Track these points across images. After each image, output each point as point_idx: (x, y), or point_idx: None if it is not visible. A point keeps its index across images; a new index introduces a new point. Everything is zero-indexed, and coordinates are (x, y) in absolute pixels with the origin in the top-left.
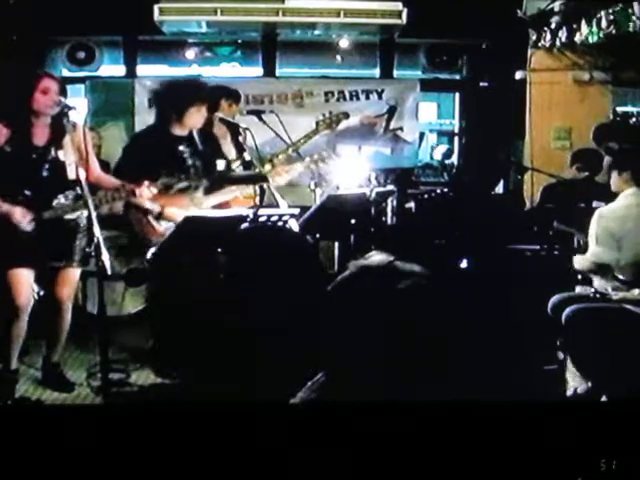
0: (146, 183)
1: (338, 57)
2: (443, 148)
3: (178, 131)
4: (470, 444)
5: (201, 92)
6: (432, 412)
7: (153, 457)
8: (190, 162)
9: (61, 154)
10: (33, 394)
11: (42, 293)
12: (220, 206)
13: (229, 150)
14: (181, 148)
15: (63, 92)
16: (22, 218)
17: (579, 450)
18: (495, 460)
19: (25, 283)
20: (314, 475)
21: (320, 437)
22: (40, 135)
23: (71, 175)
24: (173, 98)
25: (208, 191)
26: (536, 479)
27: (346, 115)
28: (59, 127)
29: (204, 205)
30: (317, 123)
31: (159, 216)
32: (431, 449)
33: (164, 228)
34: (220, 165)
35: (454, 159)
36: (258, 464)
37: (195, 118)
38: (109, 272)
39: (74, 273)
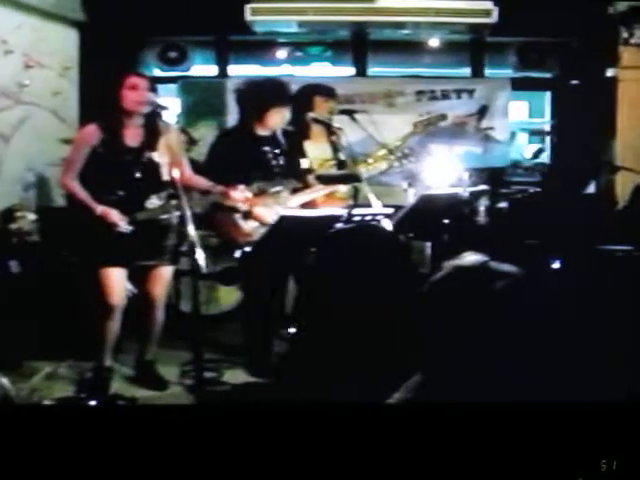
0: (241, 187)
1: (428, 56)
2: (534, 147)
3: (261, 131)
4: (470, 444)
5: (282, 93)
6: (432, 412)
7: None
8: (274, 162)
9: (156, 155)
10: (126, 392)
11: (135, 291)
12: (306, 205)
13: (324, 150)
14: (265, 148)
15: (153, 90)
16: (119, 220)
17: (579, 450)
18: (495, 460)
19: (118, 282)
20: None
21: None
22: (133, 136)
23: (164, 176)
24: (255, 98)
25: (294, 190)
26: (536, 479)
27: (444, 117)
28: (153, 128)
29: (290, 204)
30: (415, 124)
31: (247, 216)
32: (431, 449)
33: (251, 228)
34: (304, 164)
35: (545, 158)
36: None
37: (276, 119)
38: (204, 270)
39: (166, 271)
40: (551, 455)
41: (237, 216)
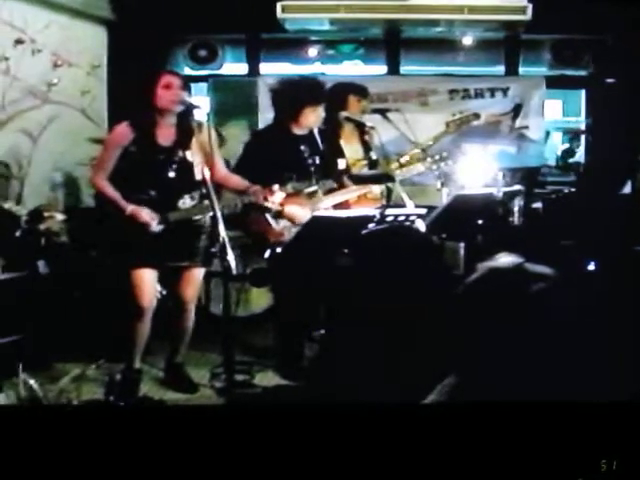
0: (276, 187)
1: (462, 54)
2: (569, 146)
3: (297, 130)
4: (470, 444)
5: (316, 92)
6: (432, 412)
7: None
8: (310, 161)
9: (189, 155)
10: (156, 394)
11: (165, 293)
12: (339, 206)
13: (356, 149)
14: (301, 147)
15: (186, 89)
16: (150, 219)
17: (579, 450)
18: (495, 460)
19: (149, 283)
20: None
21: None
22: (166, 135)
23: (197, 176)
24: (289, 97)
25: (327, 190)
26: (537, 479)
27: (477, 116)
28: (186, 127)
29: (323, 205)
30: (447, 124)
31: (278, 215)
32: (431, 449)
33: (281, 227)
34: (341, 164)
35: (580, 158)
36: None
37: (311, 118)
38: (235, 272)
39: (198, 273)
40: (551, 455)
41: (268, 215)
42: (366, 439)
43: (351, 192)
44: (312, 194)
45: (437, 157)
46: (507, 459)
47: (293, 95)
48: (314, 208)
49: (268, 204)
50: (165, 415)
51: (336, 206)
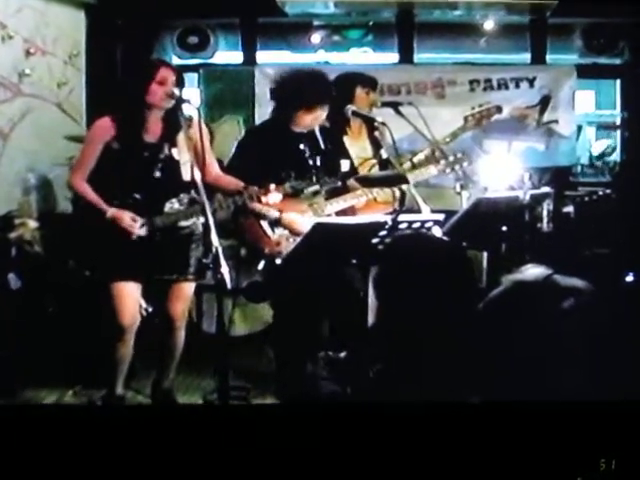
0: (273, 187)
1: (483, 41)
2: (603, 143)
3: (297, 128)
4: (470, 444)
5: (323, 90)
6: (432, 412)
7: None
8: (311, 162)
9: (175, 152)
10: None
11: (150, 310)
12: (343, 213)
13: (365, 147)
14: (302, 146)
15: (180, 83)
16: (132, 223)
17: (578, 450)
18: (495, 459)
19: (131, 298)
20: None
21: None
22: (152, 130)
23: (186, 176)
24: (291, 93)
25: (329, 195)
26: (535, 479)
27: (499, 109)
28: (173, 121)
29: (325, 211)
30: (465, 118)
31: (276, 223)
32: (431, 449)
33: (278, 236)
34: (344, 166)
35: (616, 155)
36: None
37: (313, 117)
38: (229, 286)
39: (188, 287)
40: (550, 454)
41: (264, 223)
42: (366, 439)
43: (358, 196)
44: (313, 200)
45: (451, 159)
46: (506, 458)
47: (296, 91)
48: (316, 215)
49: (262, 210)
50: (165, 415)
51: (341, 212)
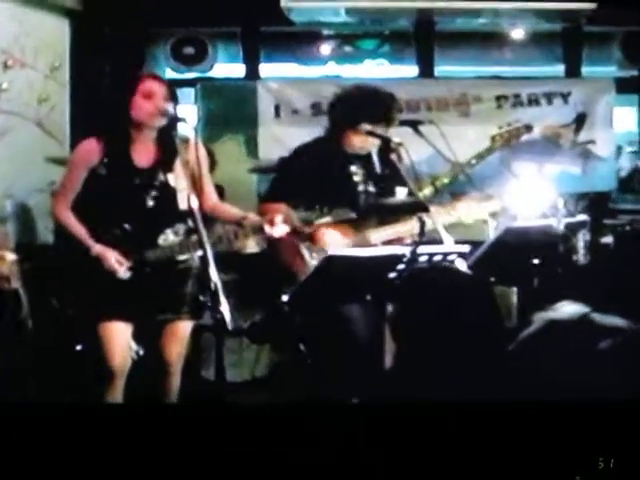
0: (279, 218)
1: (511, 52)
2: None
3: (351, 148)
4: (470, 443)
5: (395, 104)
6: (432, 412)
7: None
8: (362, 188)
9: (171, 178)
10: None
11: (142, 352)
12: (389, 244)
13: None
14: (353, 168)
15: (172, 98)
16: (117, 265)
17: (577, 449)
18: (494, 459)
19: (121, 340)
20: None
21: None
22: (144, 154)
23: (182, 205)
24: (355, 106)
25: (379, 223)
26: (535, 478)
27: (529, 128)
28: (167, 143)
29: (374, 237)
30: (492, 138)
31: (314, 245)
32: (431, 448)
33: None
34: (401, 194)
35: None
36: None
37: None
38: (230, 326)
39: (184, 328)
40: (549, 454)
41: (302, 245)
42: (365, 439)
43: (405, 226)
44: (360, 224)
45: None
46: (506, 458)
47: (361, 108)
48: (362, 241)
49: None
50: (165, 415)
51: (388, 243)
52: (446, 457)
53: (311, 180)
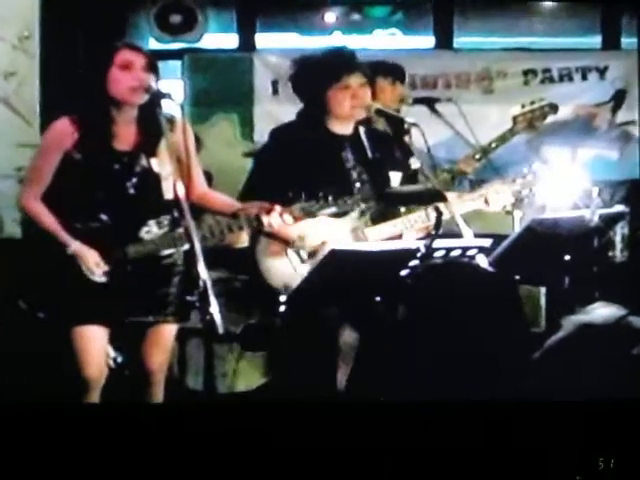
0: (277, 209)
1: (540, 21)
2: None
3: (338, 125)
4: (470, 443)
5: (352, 54)
6: (433, 412)
7: None
8: (355, 175)
9: (155, 163)
10: None
11: (120, 360)
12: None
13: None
14: (343, 154)
15: (153, 71)
16: (95, 267)
17: (577, 449)
18: (495, 459)
19: (97, 346)
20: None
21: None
22: (124, 136)
23: (167, 193)
24: (314, 75)
25: (377, 218)
26: (535, 478)
27: (554, 108)
28: (150, 123)
29: (371, 234)
30: (515, 119)
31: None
32: (431, 448)
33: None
34: (394, 179)
35: None
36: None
37: (356, 93)
38: (220, 330)
39: (168, 332)
40: (549, 454)
41: (291, 250)
42: (366, 439)
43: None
44: (358, 224)
45: (530, 177)
46: (506, 458)
47: (318, 71)
48: (358, 242)
49: (279, 230)
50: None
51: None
52: (447, 457)
53: (293, 168)
